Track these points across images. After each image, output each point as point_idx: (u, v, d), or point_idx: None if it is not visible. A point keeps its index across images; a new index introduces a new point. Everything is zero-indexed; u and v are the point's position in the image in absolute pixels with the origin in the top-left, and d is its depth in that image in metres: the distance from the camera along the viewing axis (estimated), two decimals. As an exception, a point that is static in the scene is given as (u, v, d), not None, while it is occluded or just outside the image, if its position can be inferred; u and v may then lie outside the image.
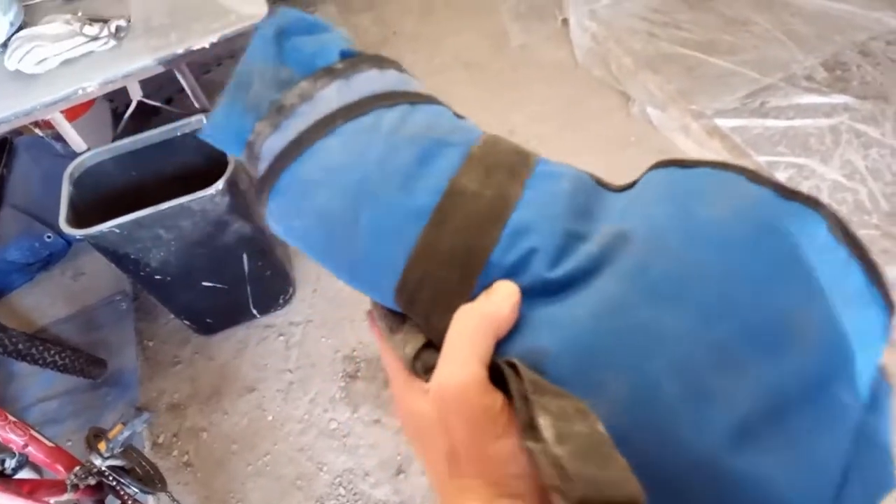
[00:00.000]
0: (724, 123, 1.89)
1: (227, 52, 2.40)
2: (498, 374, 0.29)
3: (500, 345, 0.30)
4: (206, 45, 1.31)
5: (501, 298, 0.30)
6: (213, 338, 1.76)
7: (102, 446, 1.12)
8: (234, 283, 1.61)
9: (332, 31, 0.40)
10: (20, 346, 1.53)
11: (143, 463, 1.22)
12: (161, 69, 1.33)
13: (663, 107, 1.97)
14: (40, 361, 1.56)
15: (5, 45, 1.35)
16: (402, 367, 0.35)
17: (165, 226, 1.38)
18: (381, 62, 0.39)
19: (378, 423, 1.54)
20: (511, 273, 0.31)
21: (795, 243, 0.28)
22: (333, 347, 1.70)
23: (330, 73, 0.36)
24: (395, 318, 0.36)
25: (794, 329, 0.27)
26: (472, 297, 0.31)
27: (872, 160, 1.76)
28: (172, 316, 1.74)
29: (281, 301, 1.77)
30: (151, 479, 1.21)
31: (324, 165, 0.34)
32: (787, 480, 0.25)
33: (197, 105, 1.55)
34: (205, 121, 1.48)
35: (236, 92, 0.39)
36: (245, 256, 1.56)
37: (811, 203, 0.29)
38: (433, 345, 0.34)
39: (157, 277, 1.49)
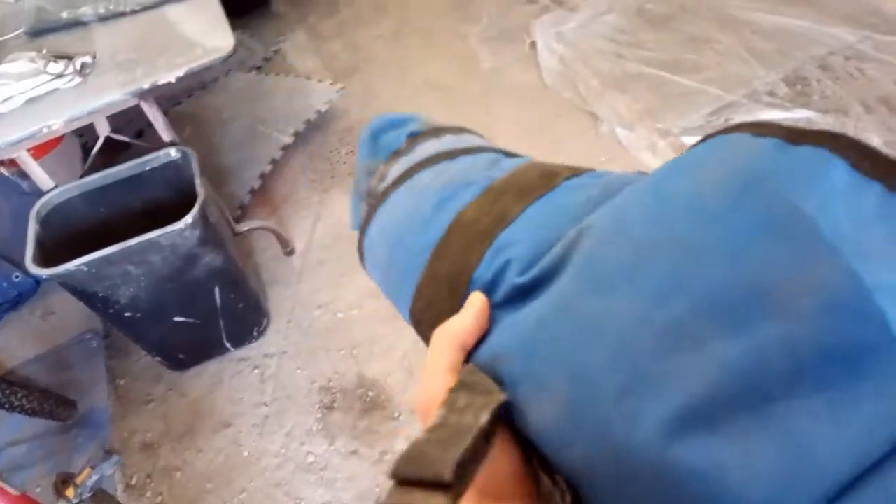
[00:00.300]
0: (691, 140, 1.91)
1: (198, 83, 2.41)
2: None
3: (474, 351, 0.33)
4: (172, 80, 1.31)
5: (467, 311, 0.33)
6: (187, 373, 1.73)
7: (71, 492, 1.09)
8: (207, 317, 1.59)
9: (412, 119, 0.48)
10: (-14, 390, 1.49)
11: (115, 507, 1.19)
12: (127, 105, 1.32)
13: (631, 126, 2.00)
14: (7, 406, 1.51)
15: (-34, 84, 1.34)
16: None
17: (134, 262, 1.36)
18: (439, 132, 0.47)
19: (355, 455, 1.52)
20: (489, 286, 0.34)
21: (787, 196, 0.25)
22: (309, 378, 1.68)
23: (397, 153, 0.45)
24: None
25: (775, 297, 0.24)
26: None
27: (836, 173, 1.79)
28: (144, 353, 1.71)
29: (255, 333, 1.75)
30: (123, 524, 1.18)
31: (380, 227, 0.43)
32: (746, 470, 0.22)
33: (165, 139, 1.54)
34: (173, 153, 1.48)
35: (354, 187, 0.49)
36: (217, 289, 1.54)
37: (825, 141, 0.25)
38: None
39: (127, 314, 1.47)
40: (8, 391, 1.51)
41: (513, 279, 0.33)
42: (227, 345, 1.72)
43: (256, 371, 1.72)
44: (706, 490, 0.23)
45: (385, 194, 0.43)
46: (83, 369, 1.79)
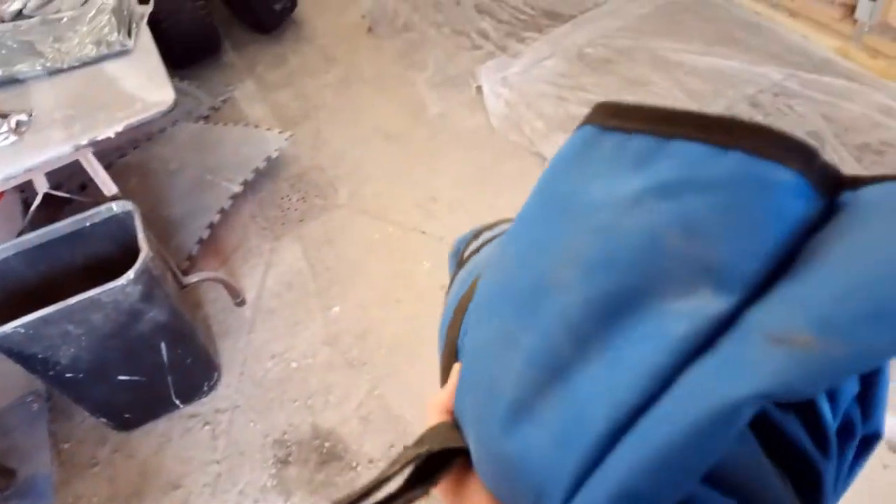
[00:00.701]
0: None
1: (144, 134, 2.38)
2: None
3: None
4: (112, 135, 1.30)
5: (450, 380, 0.36)
6: (134, 433, 1.67)
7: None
8: (153, 374, 1.54)
9: (485, 227, 0.52)
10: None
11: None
12: (64, 161, 1.30)
13: (577, 166, 2.04)
14: (-61, 477, 1.44)
15: None
16: None
17: (74, 321, 1.32)
18: (477, 234, 0.51)
19: (313, 509, 1.48)
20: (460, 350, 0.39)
21: (557, 186, 0.30)
22: (262, 432, 1.64)
23: (459, 264, 0.49)
24: None
25: (550, 280, 0.26)
26: None
27: (772, 205, 1.87)
28: (88, 414, 1.65)
29: (205, 388, 1.70)
30: None
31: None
32: (539, 446, 0.24)
33: (107, 193, 1.51)
34: (115, 208, 1.46)
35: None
36: (163, 345, 1.50)
37: (589, 119, 0.29)
38: None
39: (69, 375, 1.42)
40: (-61, 463, 1.44)
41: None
42: (176, 401, 1.67)
43: (207, 427, 1.67)
44: (523, 473, 0.25)
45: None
46: (24, 434, 1.71)
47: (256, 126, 2.42)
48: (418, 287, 1.86)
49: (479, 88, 2.42)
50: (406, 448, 0.32)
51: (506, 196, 2.05)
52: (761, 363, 0.18)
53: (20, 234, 1.54)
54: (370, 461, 1.56)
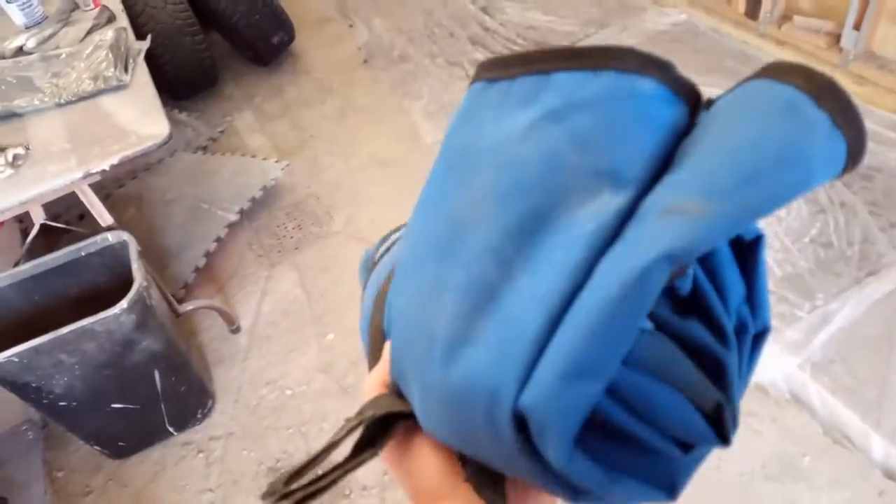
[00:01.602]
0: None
1: (143, 165, 2.42)
2: None
3: None
4: (107, 168, 1.32)
5: (382, 359, 0.37)
6: (128, 461, 1.67)
7: None
8: (147, 403, 1.55)
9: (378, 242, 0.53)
10: None
11: None
12: (60, 194, 1.33)
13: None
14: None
15: None
16: None
17: (68, 350, 1.33)
18: (385, 238, 0.51)
19: (304, 538, 1.47)
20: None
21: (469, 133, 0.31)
22: (256, 460, 1.64)
23: (368, 269, 0.49)
24: None
25: (466, 223, 0.28)
26: None
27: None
28: (83, 442, 1.65)
29: (199, 415, 1.71)
30: None
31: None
32: (481, 360, 0.25)
33: (103, 223, 1.54)
34: (110, 238, 1.48)
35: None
36: (157, 374, 1.51)
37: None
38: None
39: (62, 404, 1.43)
40: (-68, 493, 1.44)
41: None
42: (171, 429, 1.67)
43: (201, 455, 1.67)
44: (470, 394, 0.25)
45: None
46: (18, 463, 1.72)
47: (253, 156, 2.46)
48: (412, 314, 1.87)
49: (472, 117, 2.45)
50: (348, 419, 0.33)
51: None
52: (662, 231, 0.21)
53: (17, 263, 1.56)
54: (364, 488, 1.56)
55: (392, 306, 0.35)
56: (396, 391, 0.34)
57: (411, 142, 2.46)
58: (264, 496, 0.32)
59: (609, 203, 0.24)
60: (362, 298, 0.47)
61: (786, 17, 2.40)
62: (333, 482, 0.32)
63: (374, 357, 0.41)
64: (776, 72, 0.24)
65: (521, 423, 0.24)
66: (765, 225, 1.87)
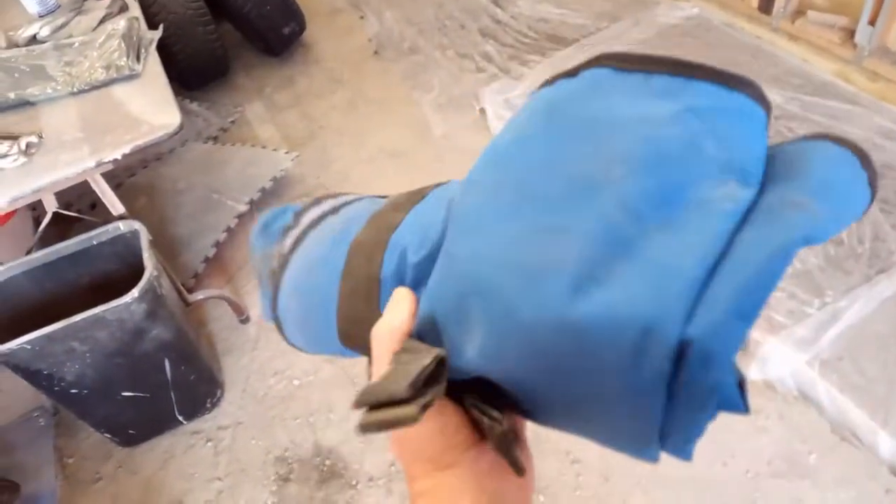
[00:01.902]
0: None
1: (154, 155, 2.43)
2: None
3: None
4: (118, 157, 1.33)
5: (396, 306, 0.36)
6: (138, 449, 1.69)
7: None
8: (157, 391, 1.57)
9: (296, 204, 0.51)
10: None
11: None
12: (72, 182, 1.34)
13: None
14: (-55, 492, 1.46)
15: None
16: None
17: (79, 338, 1.34)
18: (318, 200, 0.50)
19: (311, 527, 1.49)
20: (398, 277, 0.38)
21: (580, 105, 0.33)
22: (264, 449, 1.65)
23: (286, 230, 0.48)
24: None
25: (600, 174, 0.30)
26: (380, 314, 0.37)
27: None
28: (93, 429, 1.67)
29: (208, 405, 1.72)
30: None
31: (286, 293, 0.46)
32: (630, 302, 0.27)
33: (115, 212, 1.55)
34: (121, 227, 1.49)
35: (258, 277, 0.51)
36: (167, 362, 1.53)
37: (598, 62, 0.34)
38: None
39: (74, 391, 1.44)
40: (-55, 477, 1.46)
41: (411, 261, 0.37)
42: (180, 418, 1.69)
43: (210, 444, 1.68)
44: (606, 332, 0.27)
45: (284, 265, 0.46)
46: (29, 449, 1.74)
47: (264, 146, 2.46)
48: (420, 306, 1.88)
49: (482, 110, 2.45)
50: (397, 354, 0.33)
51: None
52: (794, 219, 0.27)
53: (29, 252, 1.58)
54: (370, 479, 1.57)
55: (454, 254, 0.34)
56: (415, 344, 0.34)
57: (421, 133, 2.45)
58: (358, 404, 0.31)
59: (739, 192, 0.29)
60: (277, 265, 0.46)
61: (800, 12, 2.38)
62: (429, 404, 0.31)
63: (362, 308, 0.39)
64: (836, 139, 0.32)
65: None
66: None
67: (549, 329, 0.29)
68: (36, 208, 2.14)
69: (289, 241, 0.47)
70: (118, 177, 2.34)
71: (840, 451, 1.47)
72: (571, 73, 0.34)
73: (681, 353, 0.26)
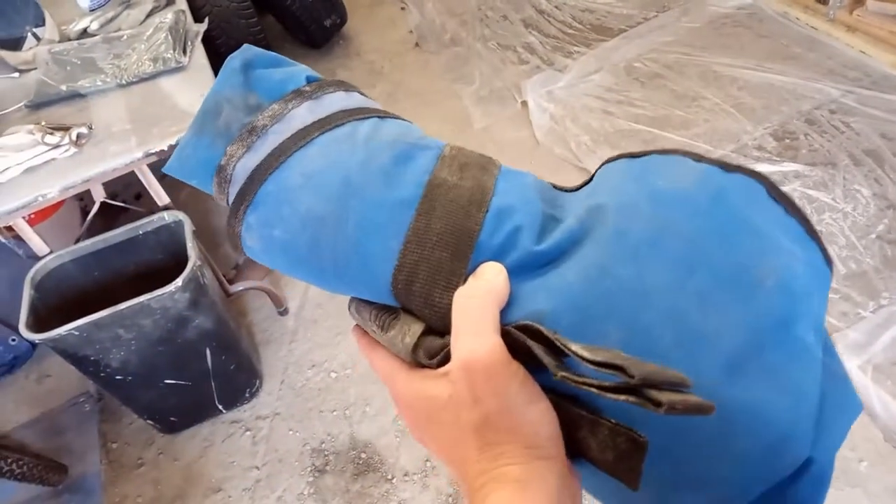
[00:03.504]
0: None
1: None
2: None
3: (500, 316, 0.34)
4: (165, 148, 1.35)
5: (495, 275, 0.34)
6: (179, 436, 1.72)
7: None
8: (198, 380, 1.59)
9: (297, 64, 0.45)
10: (-24, 456, 1.49)
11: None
12: (120, 173, 1.36)
13: (621, 182, 2.02)
14: (-3, 472, 1.50)
15: (-34, 156, 1.38)
16: (400, 362, 0.38)
17: (125, 325, 1.37)
18: (346, 85, 0.43)
19: (347, 519, 1.49)
20: (501, 250, 0.35)
21: (742, 205, 0.33)
22: (301, 440, 1.66)
23: (300, 94, 0.40)
24: (387, 314, 0.38)
25: (756, 276, 0.31)
26: (466, 274, 0.35)
27: (826, 224, 1.81)
28: (136, 416, 1.70)
29: (247, 395, 1.74)
30: None
31: (305, 172, 0.37)
32: (779, 403, 0.29)
33: (160, 203, 1.57)
34: (166, 217, 1.51)
35: (204, 120, 0.40)
36: (208, 351, 1.55)
37: (750, 173, 0.34)
38: (432, 331, 0.37)
39: (118, 377, 1.47)
40: (-2, 457, 1.51)
41: (530, 246, 0.34)
42: (220, 407, 1.71)
43: (248, 433, 1.70)
44: (749, 422, 0.29)
45: (302, 136, 0.38)
46: (76, 433, 1.78)
47: (305, 138, 2.47)
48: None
49: (524, 103, 2.42)
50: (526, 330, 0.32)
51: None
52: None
53: (77, 240, 1.61)
54: (405, 474, 1.56)
55: (617, 275, 0.32)
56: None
57: (461, 126, 2.44)
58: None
59: (817, 348, 0.33)
60: (290, 129, 0.39)
61: (858, 2, 2.28)
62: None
63: (451, 256, 0.35)
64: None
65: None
66: (830, 220, 1.79)
67: (701, 389, 0.29)
68: (83, 198, 2.19)
69: (302, 112, 0.39)
70: (162, 167, 2.37)
71: (893, 460, 1.41)
72: (727, 167, 0.34)
73: (801, 467, 0.30)
